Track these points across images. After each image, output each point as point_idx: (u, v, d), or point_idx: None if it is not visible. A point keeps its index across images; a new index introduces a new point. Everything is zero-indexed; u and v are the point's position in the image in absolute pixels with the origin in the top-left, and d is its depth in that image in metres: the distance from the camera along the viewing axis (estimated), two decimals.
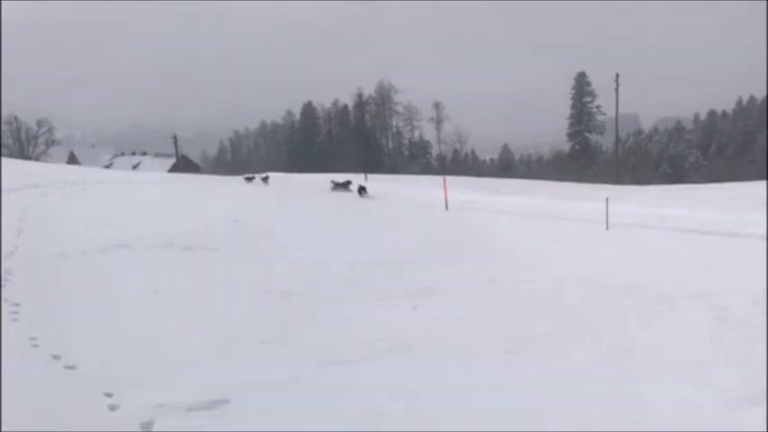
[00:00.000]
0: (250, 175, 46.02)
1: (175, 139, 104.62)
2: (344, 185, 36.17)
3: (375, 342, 7.47)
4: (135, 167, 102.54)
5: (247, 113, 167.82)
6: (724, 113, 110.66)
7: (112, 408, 5.36)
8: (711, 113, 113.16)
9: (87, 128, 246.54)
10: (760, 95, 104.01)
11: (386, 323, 8.47)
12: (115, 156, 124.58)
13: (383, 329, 8.06)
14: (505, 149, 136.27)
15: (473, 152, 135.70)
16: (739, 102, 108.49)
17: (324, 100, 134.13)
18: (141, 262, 12.47)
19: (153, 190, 28.95)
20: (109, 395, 5.58)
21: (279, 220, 19.56)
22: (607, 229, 18.03)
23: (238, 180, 45.76)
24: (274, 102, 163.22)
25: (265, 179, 43.14)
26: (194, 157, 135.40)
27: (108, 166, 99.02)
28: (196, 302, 9.47)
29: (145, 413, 5.21)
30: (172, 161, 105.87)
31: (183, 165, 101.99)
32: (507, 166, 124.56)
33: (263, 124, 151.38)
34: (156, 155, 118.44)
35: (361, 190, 32.83)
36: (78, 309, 8.66)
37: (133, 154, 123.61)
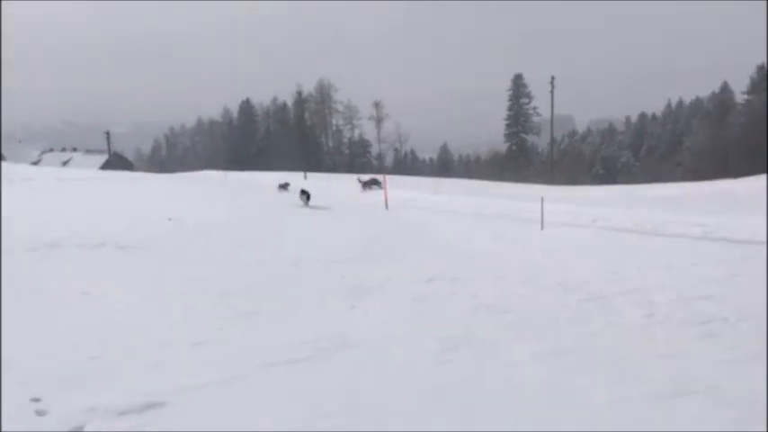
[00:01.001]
0: (284, 183, 35.87)
1: (108, 135, 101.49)
2: (284, 186, 35.32)
3: (315, 342, 7.41)
4: (65, 164, 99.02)
5: (183, 110, 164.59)
6: (653, 116, 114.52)
7: (40, 413, 5.15)
8: (642, 116, 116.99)
9: (13, 123, 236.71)
10: (687, 99, 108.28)
11: (326, 322, 8.43)
12: (44, 152, 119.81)
13: (323, 329, 8.00)
14: (444, 149, 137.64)
15: (413, 151, 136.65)
16: (668, 105, 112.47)
17: (262, 97, 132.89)
18: (72, 262, 12.05)
19: (84, 187, 27.97)
20: (36, 400, 5.36)
21: (217, 219, 19.22)
22: (542, 228, 18.43)
23: (175, 177, 44.47)
24: (211, 98, 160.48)
25: (285, 186, 35.14)
26: (128, 153, 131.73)
27: (36, 163, 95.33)
28: (129, 304, 9.19)
29: (74, 418, 5.02)
30: (104, 158, 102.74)
31: (116, 162, 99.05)
32: (446, 165, 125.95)
33: (199, 121, 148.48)
34: (88, 151, 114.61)
35: (303, 195, 25.82)
36: (5, 310, 8.29)
37: (63, 150, 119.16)
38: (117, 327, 7.93)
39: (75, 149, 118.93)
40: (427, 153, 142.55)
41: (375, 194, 30.56)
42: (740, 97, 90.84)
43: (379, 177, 36.00)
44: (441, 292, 10.46)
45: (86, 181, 31.50)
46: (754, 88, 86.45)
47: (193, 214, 19.42)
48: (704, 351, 6.80)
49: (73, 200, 22.07)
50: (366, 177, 38.35)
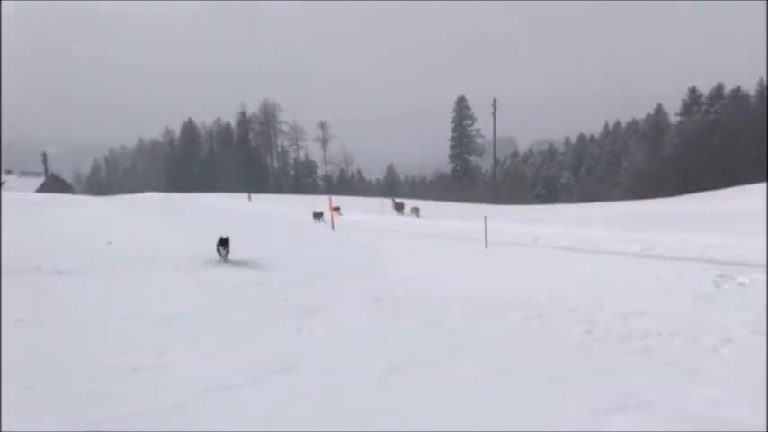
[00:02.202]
0: (318, 212, 31.51)
1: (45, 156, 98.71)
2: (319, 216, 31.14)
3: (260, 365, 7.33)
4: None
5: (124, 130, 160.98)
6: (592, 137, 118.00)
7: None
8: (581, 137, 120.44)
9: None
10: (624, 121, 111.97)
11: (271, 345, 8.36)
12: None
13: (268, 352, 7.93)
14: (391, 170, 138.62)
15: (359, 172, 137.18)
16: (606, 126, 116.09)
17: (205, 117, 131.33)
18: (6, 287, 11.63)
19: (19, 210, 27.08)
20: None
21: (158, 242, 18.86)
22: (486, 247, 18.72)
23: (115, 200, 43.28)
24: (152, 118, 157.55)
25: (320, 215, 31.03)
26: (66, 175, 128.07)
27: None
28: (64, 330, 8.93)
29: None
30: (41, 180, 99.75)
31: (53, 184, 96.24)
32: (393, 186, 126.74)
33: (140, 141, 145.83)
34: (23, 173, 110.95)
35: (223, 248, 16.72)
36: None
37: None
38: (53, 354, 7.68)
39: (9, 171, 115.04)
40: (374, 174, 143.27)
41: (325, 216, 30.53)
42: (674, 119, 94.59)
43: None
44: (387, 313, 10.50)
45: (20, 204, 30.52)
46: (686, 110, 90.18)
47: (135, 237, 19.01)
48: (640, 366, 7.00)
49: (5, 223, 21.34)
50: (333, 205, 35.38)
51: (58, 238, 17.92)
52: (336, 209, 30.82)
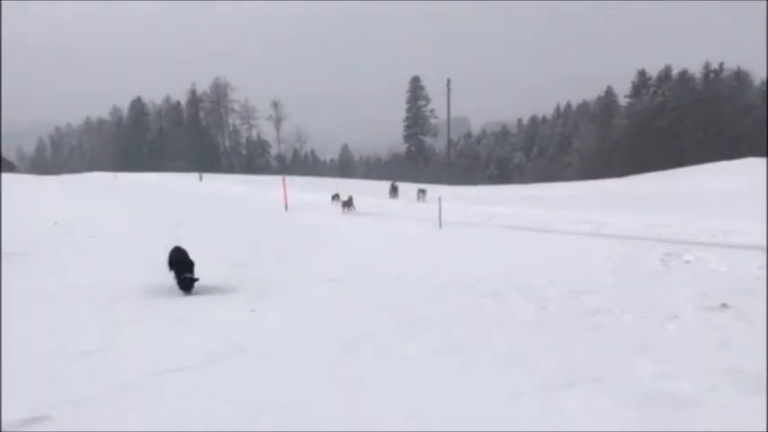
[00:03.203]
0: (335, 193, 29.13)
1: None
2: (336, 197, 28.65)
3: (212, 347, 7.23)
4: None
5: (70, 108, 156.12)
6: (544, 119, 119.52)
7: None
8: (533, 118, 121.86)
9: None
10: (575, 102, 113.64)
11: (223, 327, 8.24)
12: None
13: (220, 334, 7.82)
14: (345, 150, 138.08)
15: (313, 152, 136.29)
16: (557, 108, 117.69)
17: (154, 95, 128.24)
18: None
19: None
20: None
21: (107, 222, 18.41)
22: (440, 227, 18.80)
23: (62, 180, 42.03)
24: (100, 97, 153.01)
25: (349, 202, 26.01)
26: (9, 155, 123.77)
27: None
28: (9, 313, 8.63)
29: None
30: None
31: None
32: (347, 166, 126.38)
33: (87, 120, 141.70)
34: None
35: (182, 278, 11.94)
36: None
37: None
38: None
39: None
40: (328, 154, 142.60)
41: (272, 196, 30.14)
42: (623, 101, 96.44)
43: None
44: (340, 293, 10.47)
45: None
46: (635, 92, 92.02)
47: (83, 217, 18.51)
48: (591, 342, 7.13)
49: None
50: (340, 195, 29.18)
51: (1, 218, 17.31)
52: (347, 202, 26.08)
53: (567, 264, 12.42)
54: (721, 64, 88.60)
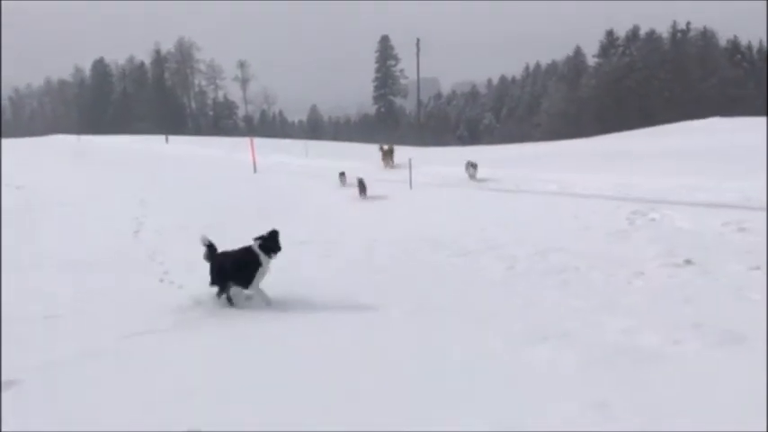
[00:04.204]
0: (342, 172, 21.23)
1: None
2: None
3: (180, 311, 7.21)
4: None
5: (29, 69, 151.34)
6: (513, 79, 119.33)
7: None
8: (503, 78, 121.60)
9: None
10: (544, 62, 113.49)
11: (196, 289, 8.19)
12: None
13: (193, 295, 7.80)
14: (314, 111, 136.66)
15: (281, 113, 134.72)
16: (526, 68, 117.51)
17: (117, 56, 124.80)
18: None
19: None
20: None
21: (71, 186, 18.06)
22: (411, 188, 18.79)
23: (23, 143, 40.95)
24: (60, 56, 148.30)
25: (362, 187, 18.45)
26: None
27: None
28: None
29: None
30: None
31: None
32: (316, 127, 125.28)
33: (48, 81, 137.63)
34: None
35: None
36: None
37: None
38: None
39: None
40: (296, 115, 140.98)
41: (240, 158, 29.76)
42: (591, 61, 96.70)
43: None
44: (313, 255, 10.46)
45: None
46: (603, 52, 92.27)
47: (45, 182, 18.14)
48: (558, 300, 7.26)
49: None
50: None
51: None
52: (389, 152, 24.86)
53: (535, 223, 12.56)
54: (688, 24, 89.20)
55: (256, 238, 7.72)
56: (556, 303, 7.16)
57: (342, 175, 20.39)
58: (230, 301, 7.58)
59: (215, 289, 7.63)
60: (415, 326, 6.60)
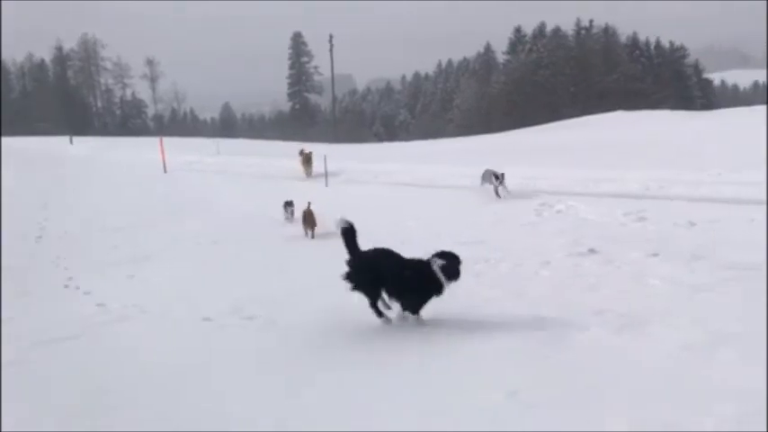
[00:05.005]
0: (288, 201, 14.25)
1: None
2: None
3: (93, 315, 6.97)
4: None
5: None
6: (427, 75, 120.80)
7: None
8: (416, 75, 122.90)
9: None
10: (456, 59, 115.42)
11: (102, 294, 7.92)
12: None
13: (100, 301, 7.54)
14: (227, 108, 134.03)
15: (192, 111, 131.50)
16: (439, 65, 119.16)
17: (14, 53, 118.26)
18: None
19: None
20: None
21: None
22: (327, 185, 18.75)
23: None
24: None
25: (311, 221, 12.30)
26: None
27: None
28: None
29: None
30: None
31: None
32: (229, 125, 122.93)
33: None
34: None
35: None
36: None
37: None
38: None
39: None
40: (208, 113, 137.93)
41: (150, 158, 28.85)
42: (501, 57, 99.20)
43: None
44: (225, 255, 10.29)
45: None
46: (512, 49, 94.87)
47: None
48: (471, 290, 7.42)
49: None
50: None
51: None
52: (308, 158, 21.72)
53: (450, 217, 12.79)
54: (591, 21, 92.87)
55: (437, 255, 6.38)
56: (468, 294, 7.33)
57: (288, 205, 13.59)
58: (380, 314, 6.39)
59: (126, 291, 7.39)
60: (329, 322, 6.62)
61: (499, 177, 14.10)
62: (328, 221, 9.69)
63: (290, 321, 6.74)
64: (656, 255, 8.60)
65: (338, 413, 4.39)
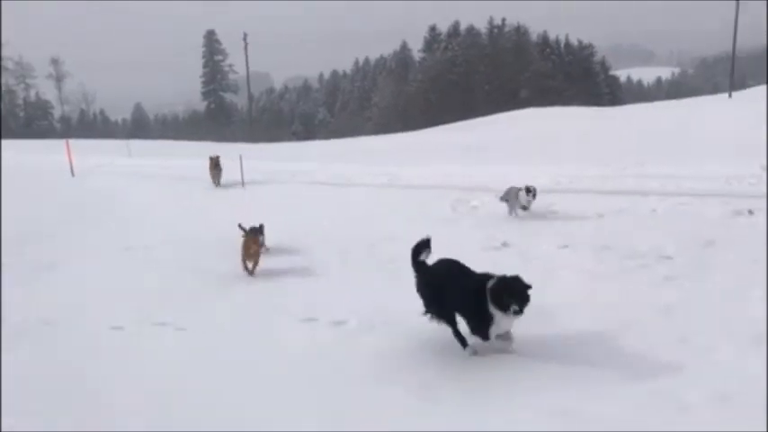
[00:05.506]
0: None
1: None
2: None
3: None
4: None
5: None
6: (344, 73, 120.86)
7: None
8: (334, 73, 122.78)
9: None
10: (373, 57, 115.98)
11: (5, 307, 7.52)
12: None
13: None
14: (138, 109, 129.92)
15: (102, 112, 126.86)
16: (356, 63, 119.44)
17: None
18: None
19: None
20: None
21: None
22: (243, 186, 18.43)
23: None
24: None
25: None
26: None
27: None
28: None
29: None
30: None
31: None
32: (142, 126, 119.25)
33: None
34: None
35: None
36: None
37: None
38: None
39: None
40: (120, 114, 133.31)
41: (56, 161, 27.64)
42: (417, 56, 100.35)
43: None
44: (136, 260, 9.97)
45: None
46: (427, 47, 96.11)
47: None
48: (389, 289, 7.49)
49: None
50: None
51: None
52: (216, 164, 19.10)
53: (366, 215, 12.81)
54: (503, 20, 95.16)
55: (487, 277, 5.43)
56: (386, 292, 7.38)
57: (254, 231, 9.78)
58: (464, 343, 5.52)
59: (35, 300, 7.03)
60: (244, 324, 6.52)
61: (531, 191, 11.60)
62: (247, 223, 9.53)
63: (203, 325, 6.62)
64: (565, 246, 8.91)
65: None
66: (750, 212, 10.61)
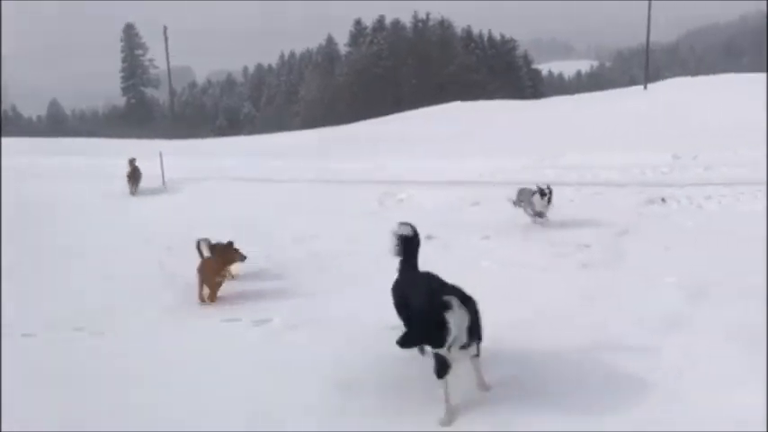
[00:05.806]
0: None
1: None
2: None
3: None
4: None
5: None
6: (270, 67, 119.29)
7: None
8: (259, 67, 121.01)
9: None
10: (298, 51, 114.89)
11: None
12: None
13: None
14: (54, 104, 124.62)
15: (15, 109, 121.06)
16: (282, 56, 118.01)
17: None
18: None
19: None
20: None
21: None
22: (163, 184, 17.94)
23: None
24: None
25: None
26: None
27: None
28: None
29: None
30: None
31: None
32: (58, 123, 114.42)
33: None
34: None
35: None
36: None
37: None
38: None
39: None
40: (34, 110, 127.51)
41: None
42: (343, 49, 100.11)
43: None
44: (68, 266, 9.58)
45: None
46: (353, 41, 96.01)
47: None
48: (314, 284, 7.50)
49: None
50: None
51: None
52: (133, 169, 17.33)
53: (294, 211, 12.74)
54: (428, 14, 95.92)
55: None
56: (312, 288, 7.39)
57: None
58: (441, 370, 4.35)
59: None
60: (171, 324, 6.42)
61: (547, 193, 9.97)
62: (172, 228, 9.30)
63: (125, 331, 6.46)
64: (487, 238, 9.10)
65: None
66: (663, 201, 11.12)
